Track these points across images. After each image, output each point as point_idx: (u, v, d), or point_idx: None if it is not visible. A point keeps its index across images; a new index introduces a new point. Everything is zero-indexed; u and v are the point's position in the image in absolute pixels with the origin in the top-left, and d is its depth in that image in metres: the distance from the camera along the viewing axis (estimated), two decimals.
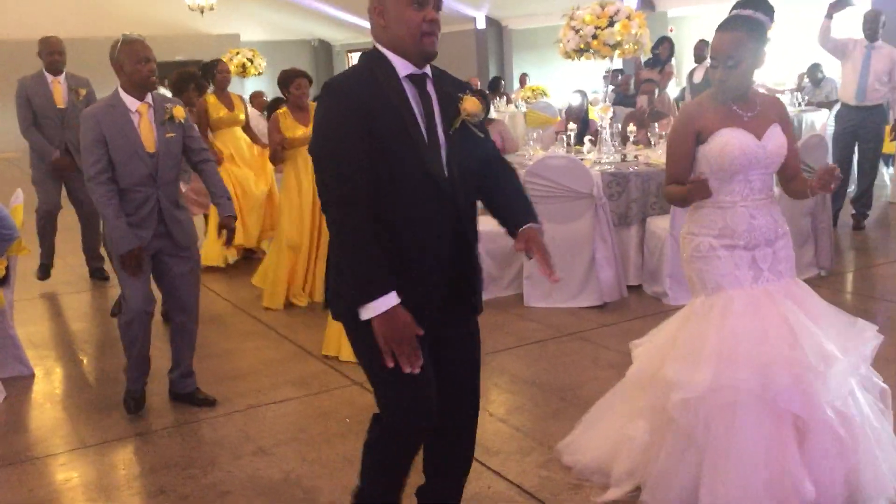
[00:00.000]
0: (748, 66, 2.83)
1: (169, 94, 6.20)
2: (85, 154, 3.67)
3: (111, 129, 3.65)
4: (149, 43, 3.75)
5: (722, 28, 2.86)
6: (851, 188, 7.78)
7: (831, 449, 2.70)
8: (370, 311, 2.14)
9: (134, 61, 3.65)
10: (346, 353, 4.58)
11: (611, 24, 6.00)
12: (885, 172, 8.97)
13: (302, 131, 5.66)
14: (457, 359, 2.49)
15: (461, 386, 2.52)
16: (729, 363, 2.72)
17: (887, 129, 7.49)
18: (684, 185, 2.88)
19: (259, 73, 12.96)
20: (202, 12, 18.13)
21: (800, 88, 11.22)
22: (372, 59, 2.23)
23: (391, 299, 2.14)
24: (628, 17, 6.01)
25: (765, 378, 2.69)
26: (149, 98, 3.76)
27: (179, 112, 3.79)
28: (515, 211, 2.40)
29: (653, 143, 6.36)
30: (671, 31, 13.49)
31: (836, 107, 7.97)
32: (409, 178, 2.20)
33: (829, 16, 7.03)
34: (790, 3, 10.93)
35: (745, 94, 2.90)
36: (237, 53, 12.73)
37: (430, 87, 2.26)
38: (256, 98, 10.08)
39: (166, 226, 3.78)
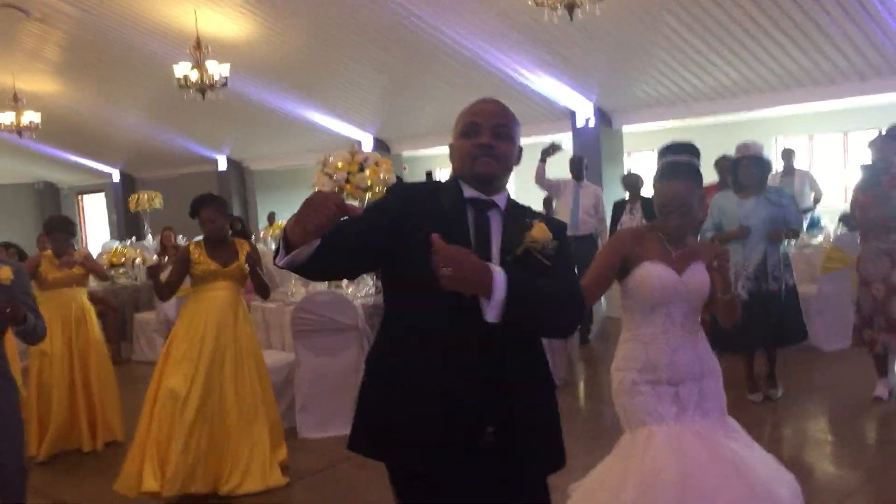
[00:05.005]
0: (696, 209, 2.93)
1: None
2: None
3: None
4: None
5: (671, 177, 2.92)
6: None
7: None
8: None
9: None
10: (149, 484, 4.38)
11: (361, 169, 6.58)
12: None
13: (63, 273, 5.58)
14: None
15: None
16: (649, 499, 2.71)
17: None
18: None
19: None
20: None
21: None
22: (446, 181, 2.28)
23: None
24: (376, 164, 6.63)
25: None
26: None
27: (5, 274, 3.59)
28: None
29: None
30: (405, 169, 14.68)
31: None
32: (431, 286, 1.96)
33: (543, 159, 8.00)
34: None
35: (685, 236, 2.99)
36: None
37: (492, 214, 2.18)
38: None
39: None
